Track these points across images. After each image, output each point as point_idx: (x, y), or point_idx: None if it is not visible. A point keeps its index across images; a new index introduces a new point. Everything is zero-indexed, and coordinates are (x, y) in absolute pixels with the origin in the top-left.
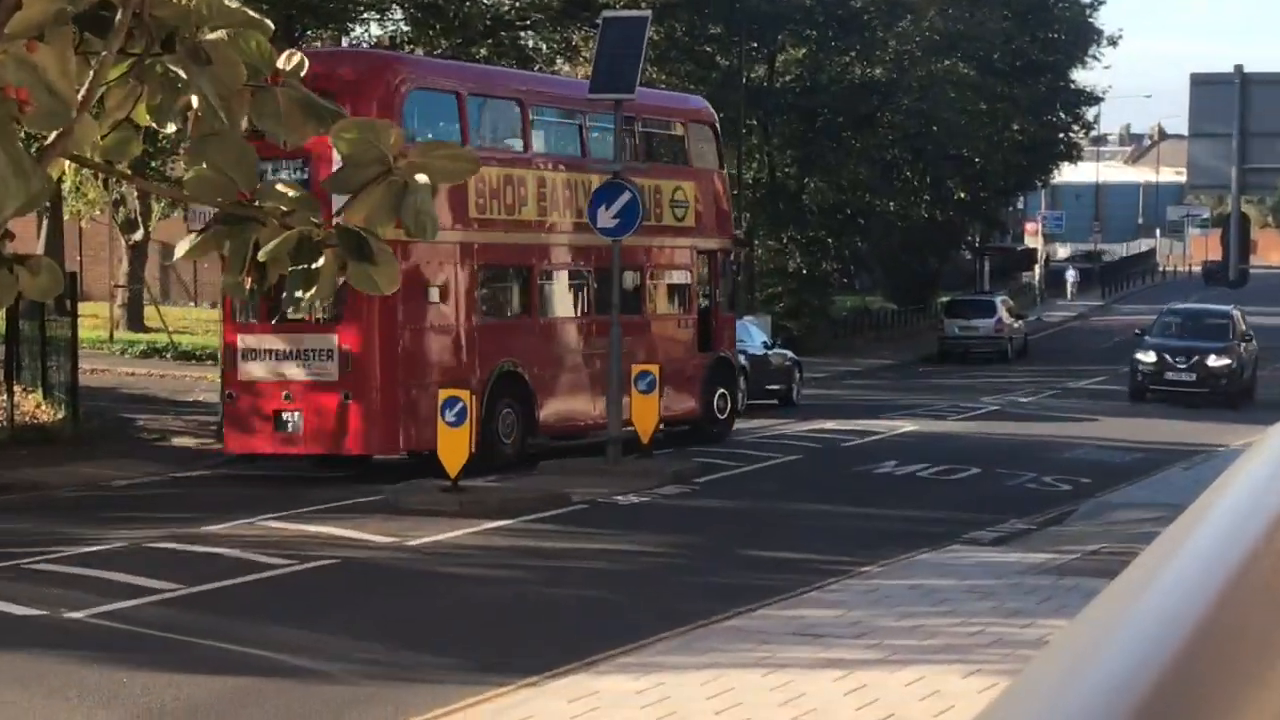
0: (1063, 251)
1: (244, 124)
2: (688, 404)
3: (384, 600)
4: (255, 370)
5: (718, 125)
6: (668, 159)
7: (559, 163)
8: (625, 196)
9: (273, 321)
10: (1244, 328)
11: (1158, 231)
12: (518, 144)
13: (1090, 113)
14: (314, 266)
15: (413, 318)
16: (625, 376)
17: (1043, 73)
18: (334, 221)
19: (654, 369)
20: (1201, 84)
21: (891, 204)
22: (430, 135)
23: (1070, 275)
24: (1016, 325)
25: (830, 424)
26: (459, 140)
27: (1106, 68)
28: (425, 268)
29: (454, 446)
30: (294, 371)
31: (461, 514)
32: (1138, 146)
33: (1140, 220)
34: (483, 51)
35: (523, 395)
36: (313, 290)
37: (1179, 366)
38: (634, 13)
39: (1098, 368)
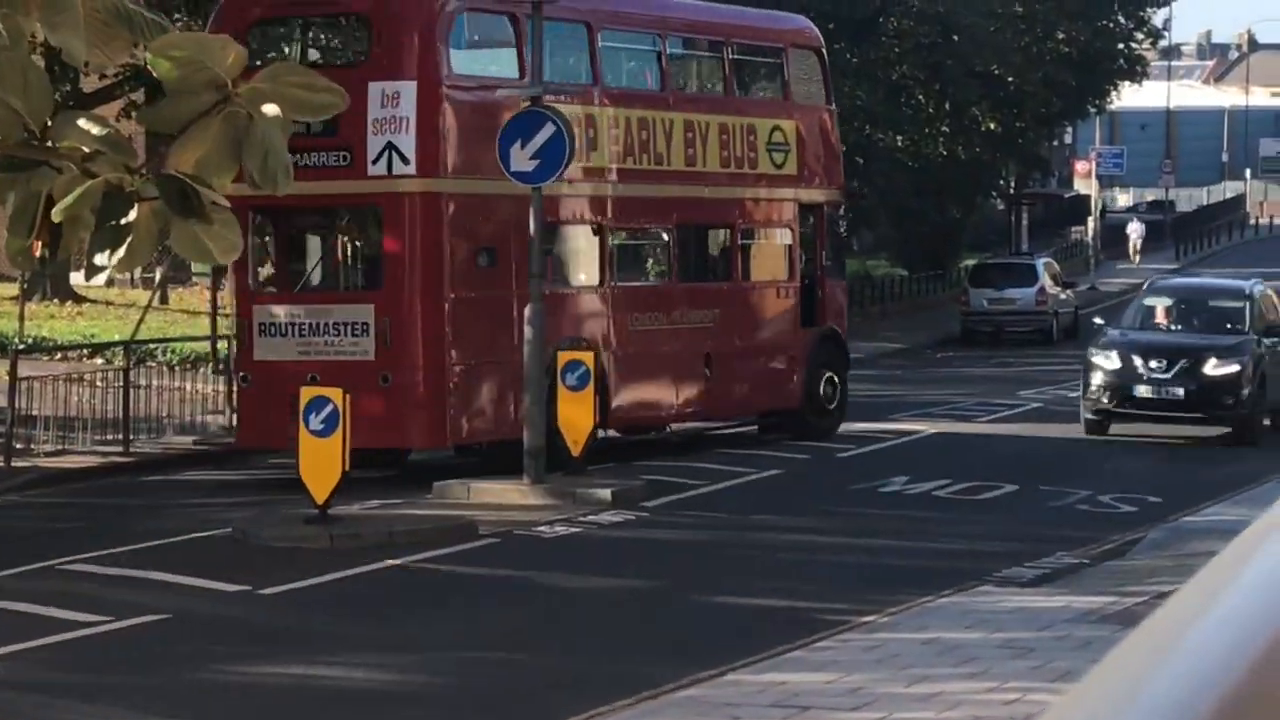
0: (1124, 199)
1: (33, 38)
2: (789, 391)
3: (219, 669)
4: (275, 348)
5: (824, 51)
6: (764, 92)
7: (634, 98)
8: (547, 130)
9: (296, 289)
10: (1275, 315)
11: (1248, 172)
12: (585, 75)
13: (1158, 15)
14: (124, 223)
15: (461, 283)
16: (689, 359)
17: None
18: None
19: (587, 358)
20: None
21: (900, 138)
22: (484, 68)
23: (1134, 230)
24: (1064, 296)
25: None
26: (515, 73)
27: None
28: (479, 224)
29: (322, 461)
30: (321, 349)
31: (334, 551)
32: (1222, 59)
33: (1225, 157)
34: None
35: (600, 379)
36: (121, 254)
37: (1158, 376)
38: None
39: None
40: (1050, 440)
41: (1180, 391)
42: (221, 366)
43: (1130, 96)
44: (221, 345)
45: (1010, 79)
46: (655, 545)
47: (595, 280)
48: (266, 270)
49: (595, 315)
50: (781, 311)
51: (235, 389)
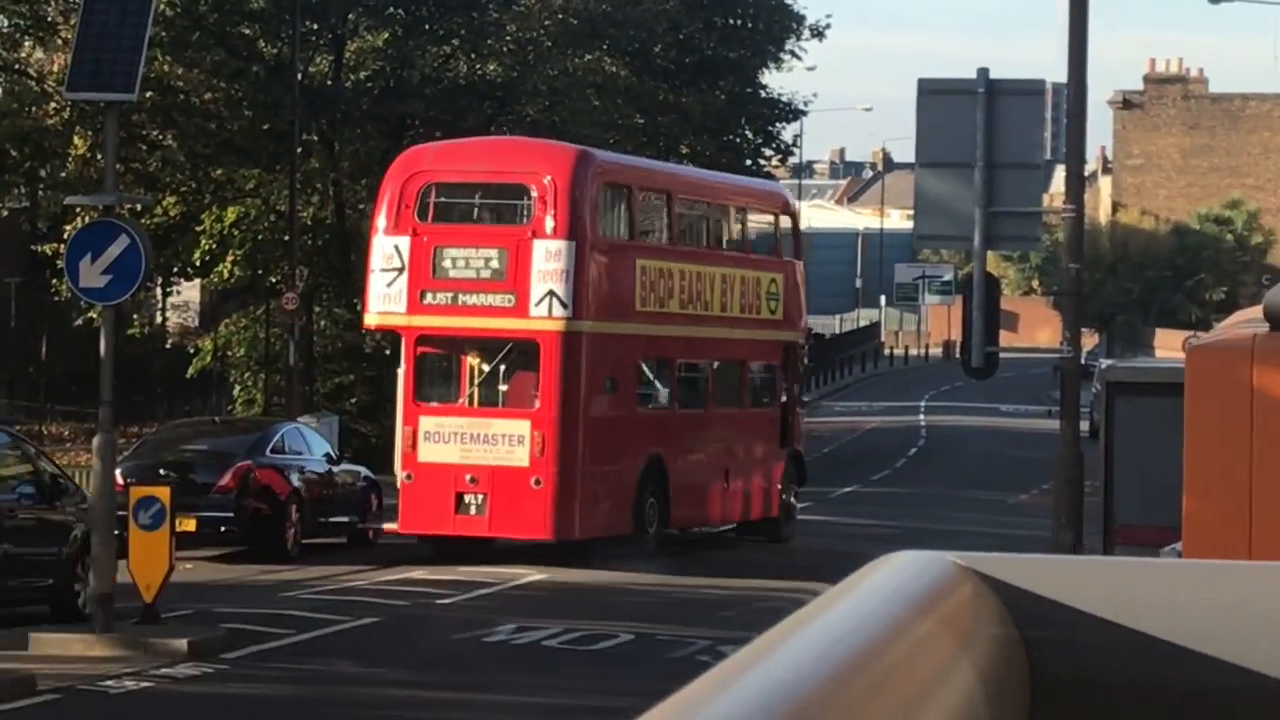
0: None
1: None
2: (771, 501)
3: None
4: (438, 453)
5: (799, 214)
6: (764, 249)
7: (692, 255)
8: (121, 242)
9: (459, 403)
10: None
11: (882, 299)
12: (664, 236)
13: (788, 131)
14: None
15: (595, 406)
16: (717, 471)
17: (723, 74)
18: None
19: (163, 495)
20: (932, 94)
21: None
22: (603, 231)
23: None
24: None
25: (422, 572)
26: (628, 233)
27: (811, 69)
28: (604, 356)
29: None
30: (481, 455)
31: None
32: (856, 178)
33: (859, 283)
34: None
35: (662, 486)
36: None
37: None
38: None
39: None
40: (673, 586)
41: None
42: None
43: None
44: None
45: None
46: (238, 703)
47: (667, 404)
48: (430, 387)
49: (667, 433)
50: (770, 433)
51: (398, 485)
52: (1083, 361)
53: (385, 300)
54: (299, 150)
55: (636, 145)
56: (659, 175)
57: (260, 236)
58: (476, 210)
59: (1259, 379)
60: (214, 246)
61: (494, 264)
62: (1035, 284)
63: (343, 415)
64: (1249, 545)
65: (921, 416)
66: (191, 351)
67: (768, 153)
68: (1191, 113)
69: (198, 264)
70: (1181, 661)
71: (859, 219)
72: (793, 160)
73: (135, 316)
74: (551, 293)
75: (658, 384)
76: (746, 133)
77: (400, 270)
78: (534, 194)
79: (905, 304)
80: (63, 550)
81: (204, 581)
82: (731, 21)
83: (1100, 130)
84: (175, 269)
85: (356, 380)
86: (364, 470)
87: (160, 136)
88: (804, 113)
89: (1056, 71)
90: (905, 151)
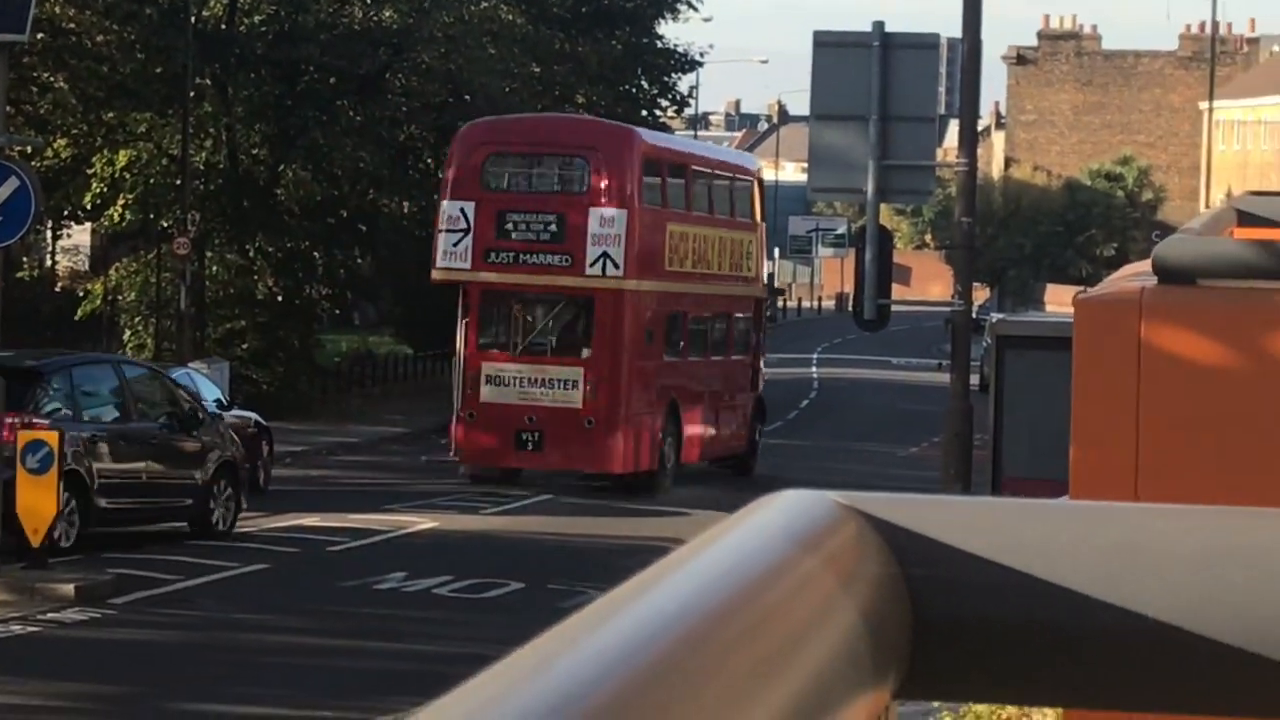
0: None
1: None
2: (741, 440)
3: None
4: (499, 394)
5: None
6: (743, 214)
7: (698, 219)
8: (11, 184)
9: (518, 352)
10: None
11: (777, 251)
12: (683, 204)
13: (684, 82)
14: None
15: (636, 356)
16: (709, 412)
17: (619, 24)
18: None
19: (51, 439)
20: (827, 46)
21: (406, 203)
22: (650, 197)
23: None
24: None
25: (314, 519)
26: (661, 202)
27: (707, 20)
28: (644, 311)
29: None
30: (538, 397)
31: None
32: (751, 130)
33: None
34: None
35: (676, 426)
36: None
37: None
38: None
39: None
40: (564, 533)
41: None
42: None
43: None
44: None
45: None
46: (124, 647)
47: (680, 354)
48: (491, 336)
49: (679, 379)
50: (745, 378)
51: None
52: (974, 315)
53: (451, 258)
54: (192, 94)
55: (532, 94)
56: (681, 151)
57: (152, 180)
58: (535, 178)
59: (1146, 332)
60: (105, 190)
61: (552, 227)
62: (928, 238)
63: (234, 361)
64: (1135, 499)
65: (814, 369)
66: (81, 295)
67: (664, 104)
68: (1084, 69)
69: (88, 207)
70: (1065, 602)
71: None
72: (688, 112)
73: (25, 259)
74: (606, 255)
75: (675, 336)
76: (643, 83)
77: (466, 231)
78: (590, 166)
79: (799, 256)
80: (199, 475)
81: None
82: None
83: (995, 85)
84: (65, 212)
85: (248, 326)
86: (255, 416)
87: (51, 79)
88: (700, 64)
89: (954, 26)
90: (801, 104)
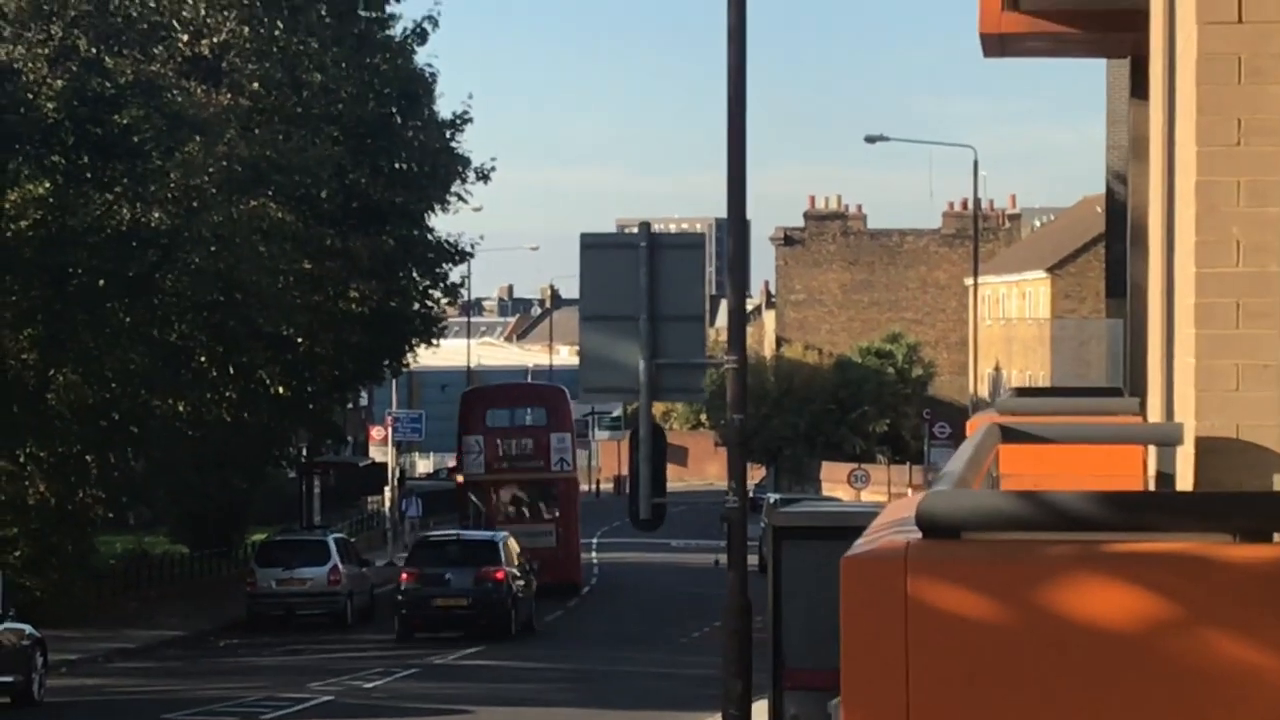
0: (424, 465)
1: None
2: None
3: None
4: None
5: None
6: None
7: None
8: None
9: (501, 519)
10: None
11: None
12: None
13: (457, 271)
14: None
15: (576, 514)
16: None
17: (390, 219)
18: None
19: None
20: (595, 248)
21: (180, 404)
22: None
23: (410, 507)
24: (360, 574)
25: None
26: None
27: (477, 210)
28: (575, 494)
29: None
30: (529, 542)
31: None
32: (524, 316)
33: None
34: None
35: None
36: None
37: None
38: None
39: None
40: None
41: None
42: None
43: (431, 356)
44: None
45: (300, 340)
46: None
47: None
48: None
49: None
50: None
51: None
52: (750, 494)
53: (472, 467)
54: None
55: (304, 290)
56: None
57: None
58: (515, 417)
59: (913, 588)
60: None
61: (529, 447)
62: (704, 417)
63: (5, 570)
64: None
65: (594, 554)
66: None
67: (435, 294)
68: (851, 249)
69: None
70: None
71: (528, 355)
72: (462, 300)
73: None
74: (562, 459)
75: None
76: (414, 275)
77: (479, 452)
78: (547, 410)
79: (576, 440)
80: None
81: None
82: (398, 166)
83: (764, 265)
84: None
85: (20, 533)
86: (27, 628)
87: None
88: (471, 255)
89: (721, 207)
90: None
